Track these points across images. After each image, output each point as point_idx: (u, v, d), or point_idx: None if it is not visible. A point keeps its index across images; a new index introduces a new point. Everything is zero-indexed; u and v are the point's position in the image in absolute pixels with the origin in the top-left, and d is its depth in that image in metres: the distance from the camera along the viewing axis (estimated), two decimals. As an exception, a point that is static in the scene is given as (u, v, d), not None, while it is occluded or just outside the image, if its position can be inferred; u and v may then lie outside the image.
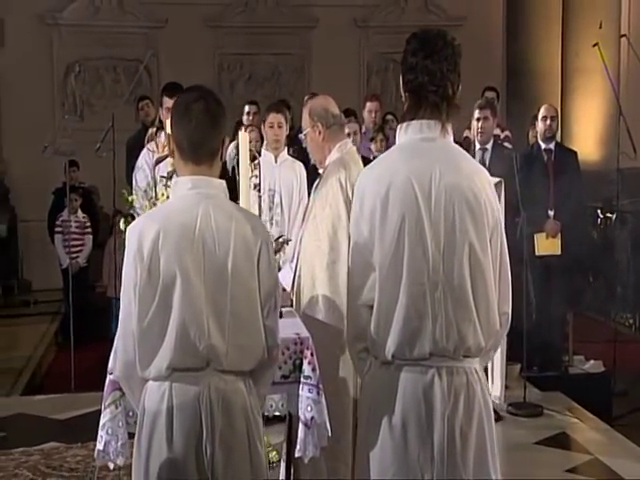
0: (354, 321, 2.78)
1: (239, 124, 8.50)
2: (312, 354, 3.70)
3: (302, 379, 3.73)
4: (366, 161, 7.40)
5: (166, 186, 4.93)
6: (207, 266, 2.66)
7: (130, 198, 4.97)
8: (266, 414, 4.17)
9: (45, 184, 10.59)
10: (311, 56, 12.37)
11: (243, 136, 3.51)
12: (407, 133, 2.80)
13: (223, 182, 2.82)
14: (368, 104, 8.70)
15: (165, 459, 2.63)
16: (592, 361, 7.85)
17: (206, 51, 12.05)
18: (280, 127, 6.05)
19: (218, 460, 2.65)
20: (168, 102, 6.03)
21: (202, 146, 2.75)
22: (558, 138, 12.11)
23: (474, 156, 7.42)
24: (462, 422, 2.69)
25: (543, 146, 7.50)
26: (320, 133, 4.37)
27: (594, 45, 8.21)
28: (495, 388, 6.31)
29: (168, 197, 4.92)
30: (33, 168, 10.83)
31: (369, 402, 2.77)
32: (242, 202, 3.41)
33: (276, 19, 12.18)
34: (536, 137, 7.75)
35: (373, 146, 8.01)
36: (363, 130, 8.71)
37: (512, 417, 6.26)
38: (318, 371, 3.69)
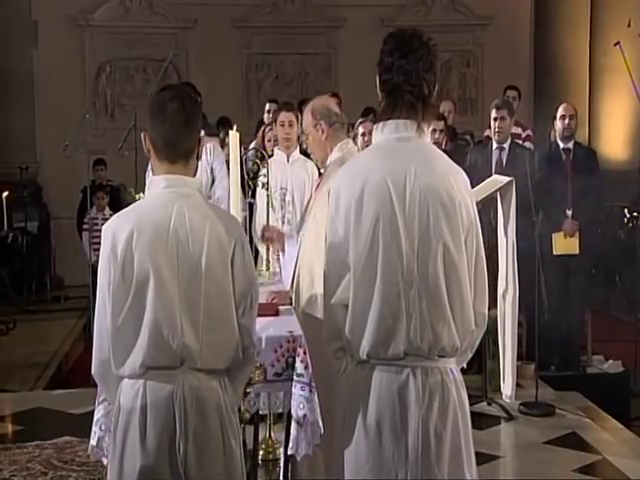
0: (329, 320, 2.83)
1: (261, 123, 8.61)
2: (305, 352, 3.75)
3: (295, 377, 3.79)
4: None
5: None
6: (181, 265, 2.70)
7: (137, 196, 5.06)
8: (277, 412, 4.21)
9: (76, 182, 10.76)
10: (337, 56, 12.42)
11: (233, 135, 3.57)
12: (383, 133, 2.84)
13: (198, 181, 2.86)
14: (388, 103, 8.72)
15: (138, 457, 2.67)
16: (611, 361, 7.81)
17: (234, 51, 12.17)
18: (291, 125, 6.10)
19: (191, 458, 2.69)
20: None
21: (177, 145, 2.78)
22: (585, 137, 12.16)
23: (491, 155, 7.46)
24: (437, 422, 2.73)
25: (562, 145, 7.47)
26: (323, 131, 4.41)
27: (615, 44, 8.19)
28: (506, 387, 6.33)
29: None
30: (64, 167, 11.00)
31: (345, 401, 2.82)
32: (232, 199, 3.47)
33: (303, 19, 12.26)
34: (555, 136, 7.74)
35: (391, 145, 8.03)
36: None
37: (524, 416, 6.27)
38: (310, 369, 3.74)
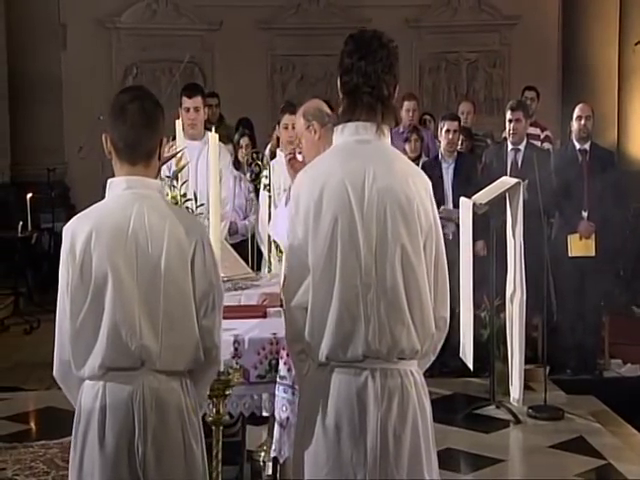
0: (290, 323, 2.83)
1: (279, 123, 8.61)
2: (288, 354, 3.76)
3: (278, 379, 3.80)
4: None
5: (171, 186, 5.08)
6: (140, 266, 2.71)
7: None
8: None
9: (103, 183, 10.88)
10: (363, 56, 12.37)
11: (212, 136, 3.59)
12: (343, 135, 2.83)
13: (159, 182, 2.87)
14: (405, 103, 8.70)
15: (97, 458, 2.69)
16: (629, 365, 7.72)
17: (259, 52, 12.22)
18: (295, 128, 6.08)
19: (150, 459, 2.70)
20: (187, 102, 6.21)
21: (137, 146, 2.78)
22: (614, 137, 12.02)
23: (507, 156, 7.41)
24: (395, 423, 2.72)
25: (578, 146, 7.39)
26: (316, 132, 4.42)
27: (636, 44, 8.09)
28: (514, 390, 6.29)
29: (173, 197, 5.08)
30: (92, 168, 11.12)
31: (306, 403, 2.83)
32: (211, 202, 3.48)
33: (328, 20, 12.27)
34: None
35: (407, 146, 8.02)
36: (400, 130, 8.74)
37: (532, 420, 6.22)
38: (294, 371, 3.75)
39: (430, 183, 2.88)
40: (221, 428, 3.48)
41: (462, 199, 6.45)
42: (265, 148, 8.03)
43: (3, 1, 11.77)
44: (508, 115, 7.39)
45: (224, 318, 3.74)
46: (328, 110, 4.56)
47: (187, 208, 4.89)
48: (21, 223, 9.51)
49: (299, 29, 12.19)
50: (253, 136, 8.96)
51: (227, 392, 3.46)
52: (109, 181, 2.84)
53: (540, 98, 9.24)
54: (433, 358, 2.94)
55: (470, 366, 6.30)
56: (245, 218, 7.08)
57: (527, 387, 6.67)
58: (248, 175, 7.12)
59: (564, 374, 7.33)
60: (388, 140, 2.85)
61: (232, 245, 6.48)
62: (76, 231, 2.74)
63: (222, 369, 3.32)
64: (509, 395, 6.39)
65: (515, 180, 6.26)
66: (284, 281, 4.43)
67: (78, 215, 2.82)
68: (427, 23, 12.55)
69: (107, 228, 2.73)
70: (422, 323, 2.75)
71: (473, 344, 6.57)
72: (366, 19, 12.34)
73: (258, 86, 12.07)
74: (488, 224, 6.38)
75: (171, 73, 12.28)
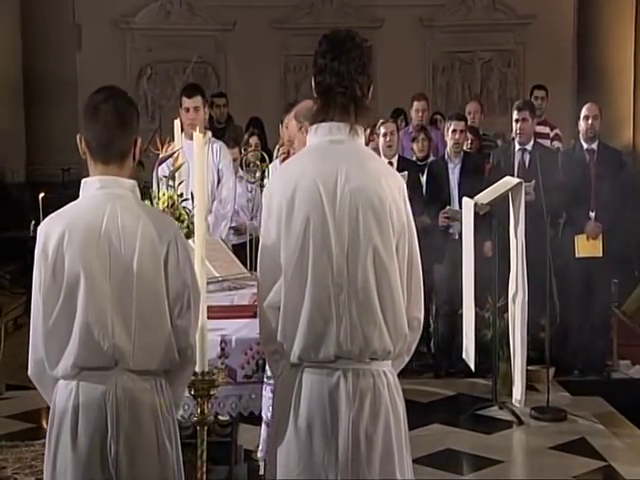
0: (263, 323, 2.83)
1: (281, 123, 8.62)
2: (274, 354, 3.76)
3: (265, 379, 3.81)
4: (405, 161, 7.50)
5: (168, 186, 5.09)
6: (113, 266, 2.72)
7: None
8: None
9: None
10: (376, 56, 12.31)
11: (197, 137, 3.59)
12: (316, 135, 2.83)
13: (133, 182, 2.85)
14: (415, 103, 8.70)
15: (70, 458, 2.71)
16: (637, 366, 7.67)
17: (272, 53, 12.23)
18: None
19: (122, 458, 2.71)
20: (186, 102, 6.24)
21: (110, 146, 2.79)
22: (630, 136, 11.94)
23: (514, 157, 7.37)
24: (367, 424, 2.72)
25: (585, 146, 7.35)
26: (307, 132, 4.42)
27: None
28: (516, 391, 6.26)
29: (170, 197, 5.10)
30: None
31: (279, 403, 2.83)
32: (196, 202, 3.48)
33: (341, 20, 12.22)
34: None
35: (415, 146, 8.01)
36: (409, 130, 8.73)
37: (535, 421, 6.19)
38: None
39: (404, 183, 2.87)
40: (205, 428, 3.49)
41: (464, 199, 6.43)
42: (275, 148, 8.05)
43: (19, 2, 11.87)
44: (515, 115, 7.35)
45: (213, 318, 3.78)
46: None
47: (184, 208, 4.90)
48: (33, 222, 9.57)
49: (312, 29, 12.13)
50: (263, 136, 8.99)
51: (212, 392, 3.47)
52: (83, 181, 2.84)
53: (552, 97, 9.19)
54: (407, 359, 2.93)
55: (472, 366, 6.28)
56: (253, 218, 7.10)
57: (532, 388, 6.66)
58: (254, 175, 7.13)
59: (572, 375, 7.29)
60: (362, 140, 2.85)
61: (240, 245, 6.51)
62: (49, 231, 2.76)
63: (206, 369, 3.34)
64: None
65: (517, 180, 6.23)
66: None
67: (52, 215, 2.83)
68: (441, 22, 12.52)
69: (80, 228, 2.73)
70: (394, 324, 2.75)
71: (478, 345, 6.56)
72: (379, 19, 12.36)
73: (271, 86, 12.09)
74: (490, 223, 6.36)
75: (184, 73, 12.32)
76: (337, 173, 2.74)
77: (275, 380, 2.90)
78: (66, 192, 11.38)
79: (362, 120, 2.85)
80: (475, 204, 6.15)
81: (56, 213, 2.82)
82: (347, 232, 2.71)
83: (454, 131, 7.41)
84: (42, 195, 9.67)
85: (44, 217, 9.13)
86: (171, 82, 12.42)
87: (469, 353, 6.23)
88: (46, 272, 2.73)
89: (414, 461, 5.42)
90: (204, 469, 3.59)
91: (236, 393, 3.88)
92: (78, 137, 2.84)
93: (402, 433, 2.81)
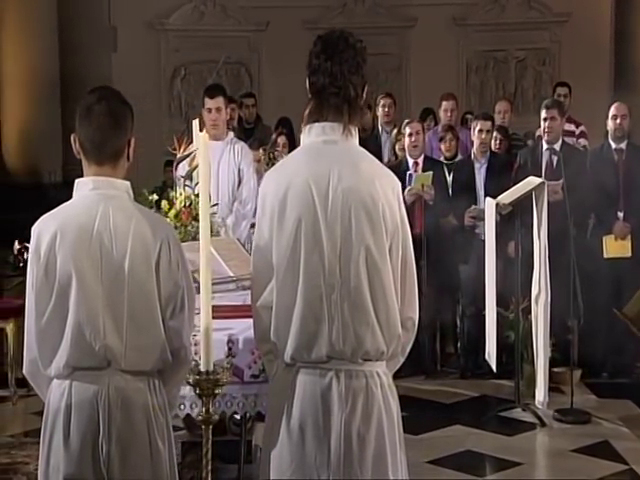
0: (257, 323, 2.84)
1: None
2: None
3: (272, 379, 3.81)
4: (430, 161, 7.47)
5: (185, 186, 5.13)
6: (104, 267, 2.73)
7: (151, 197, 5.15)
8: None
9: (152, 183, 11.02)
10: (409, 55, 12.34)
11: (202, 137, 3.60)
12: (310, 135, 2.84)
13: (127, 183, 2.86)
14: (444, 103, 8.65)
15: (62, 457, 2.73)
16: (669, 368, 7.54)
17: (305, 52, 11.96)
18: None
19: (114, 458, 2.73)
20: (208, 102, 6.28)
21: (103, 147, 2.80)
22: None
23: (541, 156, 7.29)
24: (359, 425, 2.73)
25: (614, 145, 7.26)
26: None
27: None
28: (538, 393, 6.20)
29: (187, 197, 5.13)
30: (140, 167, 11.27)
31: (272, 403, 2.85)
32: (201, 203, 3.49)
33: (374, 19, 12.23)
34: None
35: (442, 146, 7.97)
36: (438, 129, 8.69)
37: (558, 423, 6.13)
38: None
39: (399, 184, 2.87)
40: (210, 427, 3.51)
41: (487, 199, 6.39)
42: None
43: (56, 4, 12.01)
44: (543, 113, 7.28)
45: (221, 317, 3.80)
46: None
47: (199, 208, 4.91)
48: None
49: (345, 29, 12.16)
50: (292, 136, 9.00)
51: (217, 391, 3.49)
52: (76, 181, 2.86)
53: (588, 96, 9.13)
54: (402, 359, 2.93)
55: (493, 367, 6.24)
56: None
57: (558, 390, 6.61)
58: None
59: (601, 378, 7.20)
60: (355, 140, 2.85)
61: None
62: (42, 231, 2.78)
63: (211, 368, 3.35)
64: (538, 398, 6.31)
65: (540, 180, 6.17)
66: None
67: (45, 215, 2.84)
68: (474, 21, 12.42)
69: (72, 229, 2.75)
70: (387, 324, 2.74)
71: (503, 346, 6.52)
72: (412, 18, 12.30)
73: (303, 87, 12.04)
74: (521, 224, 6.30)
75: (218, 74, 12.39)
76: (330, 173, 2.74)
77: (270, 380, 2.91)
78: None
79: (355, 120, 2.85)
80: (497, 204, 6.10)
81: (49, 213, 2.84)
82: (339, 232, 2.71)
83: (480, 131, 7.37)
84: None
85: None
86: (204, 83, 12.42)
87: (491, 354, 6.19)
88: (38, 272, 2.76)
89: (433, 462, 5.50)
90: (209, 468, 3.60)
91: (243, 392, 3.88)
92: (72, 137, 2.86)
93: (396, 433, 2.81)
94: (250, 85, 12.31)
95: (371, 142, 8.81)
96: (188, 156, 5.07)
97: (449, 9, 12.18)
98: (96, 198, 2.80)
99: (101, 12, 12.22)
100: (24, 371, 2.90)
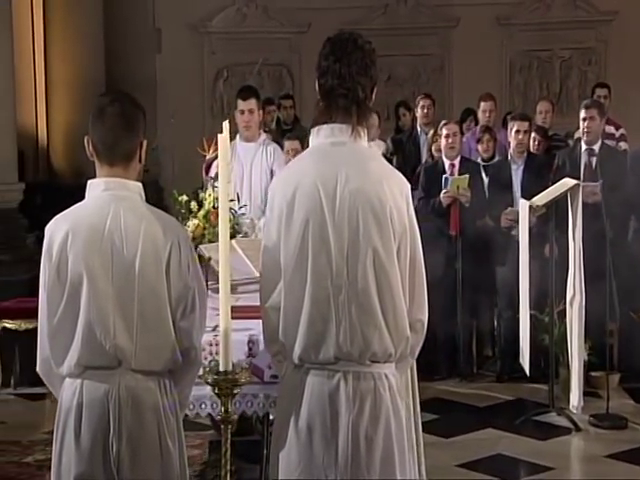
0: (266, 324, 2.85)
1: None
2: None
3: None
4: (467, 163, 7.41)
5: (214, 187, 5.15)
6: (115, 267, 2.76)
7: (180, 198, 5.18)
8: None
9: (194, 184, 11.12)
10: (451, 56, 12.26)
11: (222, 139, 3.60)
12: (319, 137, 2.83)
13: (138, 184, 2.89)
14: (482, 104, 8.58)
15: (73, 455, 2.77)
16: None
17: (346, 54, 12.20)
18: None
19: (124, 457, 2.76)
20: (241, 104, 6.30)
21: (115, 148, 2.84)
22: None
23: (580, 157, 7.20)
24: (367, 426, 2.72)
25: (655, 146, 7.15)
26: None
27: None
28: (573, 397, 6.12)
29: (216, 198, 5.15)
30: (183, 169, 11.40)
31: (281, 403, 2.85)
32: (220, 205, 3.50)
33: (416, 20, 12.19)
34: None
35: (480, 147, 7.90)
36: (477, 130, 8.62)
37: (593, 428, 6.04)
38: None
39: (408, 185, 2.85)
40: (229, 426, 3.52)
41: (521, 200, 6.33)
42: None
43: (102, 7, 12.16)
44: (582, 113, 7.18)
45: (242, 318, 3.80)
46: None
47: (230, 209, 4.94)
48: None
49: (387, 29, 12.11)
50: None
51: (235, 391, 3.50)
52: (89, 182, 2.90)
53: (635, 97, 8.95)
54: (412, 361, 2.92)
55: (526, 370, 6.18)
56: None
57: (595, 395, 6.52)
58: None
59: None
60: (364, 142, 2.84)
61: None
62: (54, 231, 2.82)
63: (230, 368, 3.36)
64: (574, 402, 6.23)
65: (574, 181, 6.09)
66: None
67: (58, 215, 2.88)
68: (518, 20, 12.29)
69: (83, 229, 2.79)
70: (395, 326, 2.73)
71: (539, 349, 6.45)
72: (455, 18, 12.23)
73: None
74: (555, 226, 6.23)
75: (260, 76, 12.43)
76: (337, 175, 2.74)
77: (280, 381, 2.91)
78: (147, 193, 11.69)
79: (365, 121, 2.84)
80: (530, 206, 6.04)
81: (62, 214, 2.88)
82: (347, 234, 2.71)
83: (517, 131, 7.29)
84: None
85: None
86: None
87: (524, 357, 6.13)
88: (50, 271, 2.80)
89: (463, 465, 5.45)
90: (228, 467, 3.62)
91: (264, 392, 3.89)
92: (86, 139, 2.90)
93: (404, 435, 2.79)
94: (292, 87, 12.34)
95: (409, 143, 8.80)
96: (217, 157, 5.08)
97: (493, 9, 12.07)
98: (108, 199, 2.83)
99: (146, 14, 12.34)
100: (37, 369, 2.94)
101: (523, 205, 6.19)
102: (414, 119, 9.21)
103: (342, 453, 2.70)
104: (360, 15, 12.26)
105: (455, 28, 12.23)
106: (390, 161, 8.18)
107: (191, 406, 3.94)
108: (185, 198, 5.15)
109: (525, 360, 6.12)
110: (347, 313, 2.70)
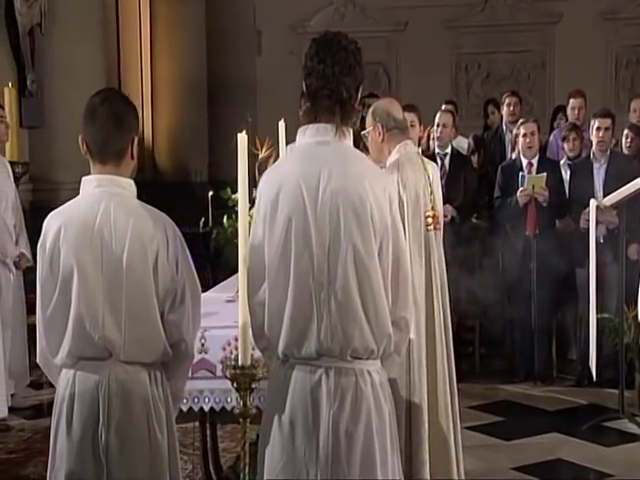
0: (253, 320, 2.87)
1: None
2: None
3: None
4: (545, 162, 7.23)
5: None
6: (104, 261, 2.85)
7: (234, 196, 5.25)
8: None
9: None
10: (553, 52, 11.99)
11: (242, 138, 3.65)
12: (304, 136, 2.85)
13: (130, 181, 2.97)
14: (572, 101, 8.33)
15: (65, 444, 2.86)
16: None
17: (444, 52, 12.13)
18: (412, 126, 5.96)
19: (113, 446, 2.83)
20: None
21: (106, 147, 2.91)
22: None
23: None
24: (348, 422, 2.72)
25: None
26: (380, 134, 4.43)
27: None
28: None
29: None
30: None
31: (268, 398, 2.88)
32: (240, 205, 3.55)
33: (516, 16, 11.98)
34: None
35: (566, 145, 7.69)
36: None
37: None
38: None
39: (391, 185, 2.85)
40: (248, 420, 3.57)
41: (591, 200, 6.15)
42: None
43: (204, 8, 12.45)
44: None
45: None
46: (398, 114, 4.50)
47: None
48: (202, 219, 10.01)
49: (485, 26, 11.97)
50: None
51: (253, 385, 3.55)
52: (83, 179, 3.00)
53: None
54: (398, 359, 2.89)
55: (593, 374, 6.01)
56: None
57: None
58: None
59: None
60: (349, 141, 2.84)
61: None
62: (48, 226, 2.94)
63: (248, 363, 3.41)
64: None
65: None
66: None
67: (53, 212, 2.99)
68: (625, 15, 11.91)
69: (75, 224, 2.89)
70: (377, 323, 2.73)
71: (614, 354, 6.28)
72: (558, 13, 11.95)
73: (442, 85, 11.96)
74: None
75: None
76: (320, 174, 2.76)
77: (269, 376, 2.94)
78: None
79: (349, 121, 2.85)
80: (597, 207, 5.86)
81: (57, 210, 2.99)
82: (328, 232, 2.72)
83: (598, 129, 7.06)
84: (211, 194, 10.14)
85: (213, 215, 9.48)
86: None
87: (592, 361, 5.95)
88: (44, 265, 2.91)
89: (519, 468, 5.34)
90: (247, 460, 3.69)
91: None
92: (80, 138, 2.99)
93: (387, 433, 2.78)
94: (388, 85, 12.32)
95: (494, 141, 8.66)
96: (270, 157, 5.14)
97: (597, 4, 11.74)
98: (99, 195, 2.92)
99: (247, 16, 12.55)
100: (37, 360, 3.06)
101: (592, 205, 6.01)
102: (501, 117, 9.04)
103: (323, 448, 2.71)
104: (459, 12, 12.15)
105: (558, 24, 11.95)
106: (469, 159, 8.07)
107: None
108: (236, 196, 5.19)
109: (593, 364, 5.95)
110: (328, 310, 2.70)
